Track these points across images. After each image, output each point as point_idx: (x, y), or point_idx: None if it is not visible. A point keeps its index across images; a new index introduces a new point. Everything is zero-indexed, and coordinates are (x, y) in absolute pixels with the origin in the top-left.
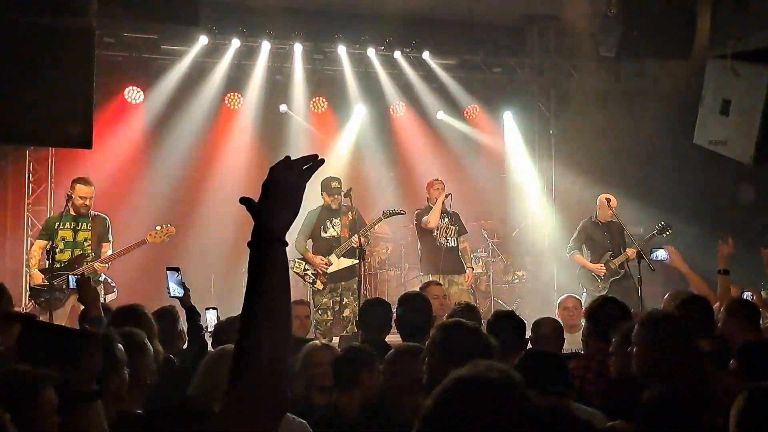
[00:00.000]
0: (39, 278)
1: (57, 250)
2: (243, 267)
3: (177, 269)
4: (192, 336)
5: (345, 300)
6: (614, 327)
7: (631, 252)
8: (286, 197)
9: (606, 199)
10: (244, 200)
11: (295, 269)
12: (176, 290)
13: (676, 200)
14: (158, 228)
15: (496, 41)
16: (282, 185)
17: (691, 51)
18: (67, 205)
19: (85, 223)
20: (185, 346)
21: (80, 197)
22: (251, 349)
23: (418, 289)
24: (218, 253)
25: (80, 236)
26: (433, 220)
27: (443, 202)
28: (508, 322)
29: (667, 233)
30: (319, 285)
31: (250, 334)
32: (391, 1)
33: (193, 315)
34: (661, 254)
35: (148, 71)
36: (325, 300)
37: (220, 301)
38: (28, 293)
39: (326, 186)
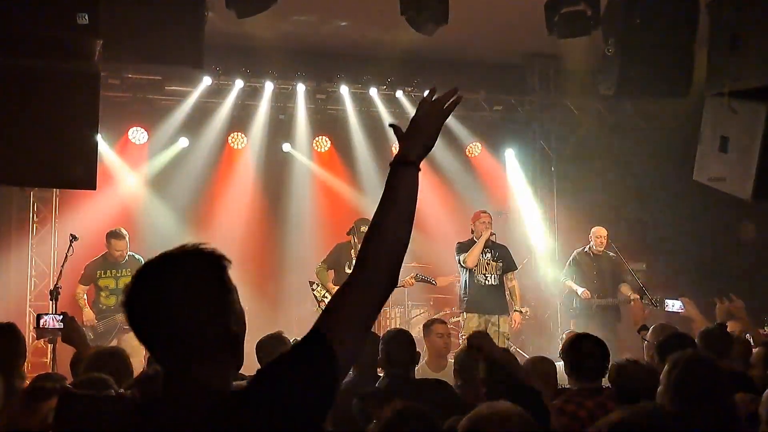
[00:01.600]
0: (92, 316)
1: (102, 297)
2: (246, 305)
3: None
4: None
5: None
6: (592, 365)
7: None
8: (427, 128)
9: (599, 230)
10: (392, 125)
11: (315, 292)
12: None
13: (676, 237)
14: None
15: (497, 80)
16: (426, 118)
17: (688, 89)
18: (105, 253)
19: (124, 270)
20: None
21: (117, 251)
22: (381, 226)
23: (422, 326)
24: None
25: (122, 282)
26: (471, 260)
27: (486, 239)
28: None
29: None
30: None
31: (381, 219)
32: (392, 41)
33: None
34: (676, 305)
35: (153, 112)
36: None
37: None
38: (32, 334)
39: (357, 229)
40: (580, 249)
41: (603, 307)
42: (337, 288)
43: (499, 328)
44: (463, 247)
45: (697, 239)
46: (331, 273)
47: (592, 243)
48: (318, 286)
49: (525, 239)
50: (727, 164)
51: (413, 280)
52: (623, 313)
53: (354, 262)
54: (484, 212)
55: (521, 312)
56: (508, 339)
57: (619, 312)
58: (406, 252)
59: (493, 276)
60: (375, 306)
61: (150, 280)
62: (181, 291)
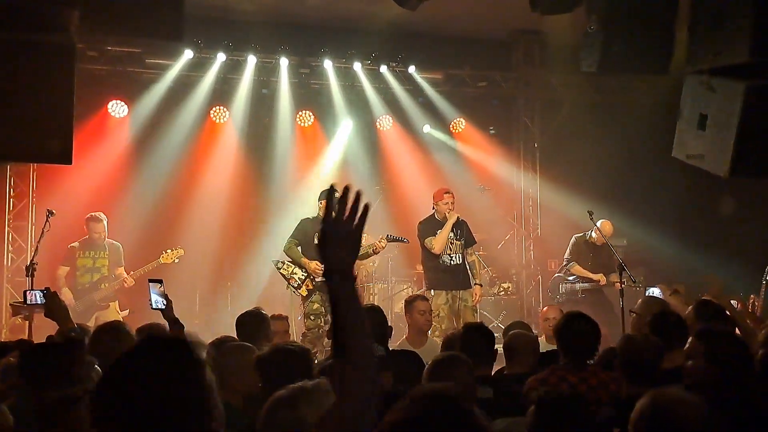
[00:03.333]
0: (70, 296)
1: (77, 275)
2: (227, 280)
3: (159, 281)
4: None
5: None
6: (583, 344)
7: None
8: (342, 242)
9: (611, 226)
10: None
11: (282, 271)
12: (158, 302)
13: (658, 212)
14: (169, 251)
15: (482, 56)
16: (336, 235)
17: (669, 66)
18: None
19: (102, 252)
20: None
21: (95, 233)
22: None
23: (403, 302)
24: (203, 266)
25: (98, 263)
26: (438, 247)
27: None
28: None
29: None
30: (303, 291)
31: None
32: (377, 15)
33: (176, 326)
34: (656, 292)
35: (132, 85)
36: (316, 306)
37: (205, 313)
38: (9, 310)
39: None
40: (581, 235)
41: (589, 291)
42: (310, 261)
43: (467, 303)
44: (426, 229)
45: (678, 214)
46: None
47: (593, 233)
48: (283, 264)
49: (508, 215)
50: (705, 142)
51: (384, 241)
52: (611, 298)
53: None
54: (447, 192)
55: (480, 285)
56: (475, 312)
57: (603, 295)
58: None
59: (457, 255)
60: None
61: (128, 370)
62: (161, 384)
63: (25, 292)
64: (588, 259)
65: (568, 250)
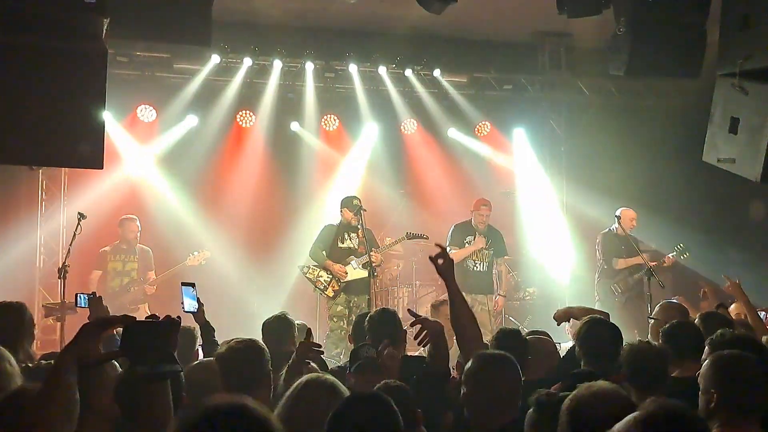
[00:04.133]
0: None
1: (108, 279)
2: (254, 282)
3: (192, 284)
4: (207, 350)
5: (353, 316)
6: (605, 350)
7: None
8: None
9: (632, 213)
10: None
11: (308, 275)
12: (191, 305)
13: (686, 216)
14: (196, 253)
15: (507, 58)
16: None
17: (699, 69)
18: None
19: (132, 256)
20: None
21: (131, 232)
22: None
23: (429, 306)
24: (230, 269)
25: (128, 266)
26: (456, 258)
27: (477, 236)
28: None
29: (685, 256)
30: (329, 292)
31: None
32: (401, 19)
33: (208, 330)
34: None
35: (161, 90)
36: (339, 308)
37: (233, 315)
38: (41, 311)
39: (349, 203)
40: (606, 230)
41: (632, 299)
42: (334, 264)
43: (485, 306)
44: (456, 235)
45: (706, 218)
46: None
47: (616, 225)
48: (308, 268)
49: (533, 219)
50: (736, 145)
51: (406, 237)
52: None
53: (346, 236)
54: (485, 205)
55: (504, 296)
56: (494, 317)
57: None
58: None
59: (482, 263)
60: None
61: None
62: None
63: (76, 295)
64: (622, 253)
65: (599, 250)
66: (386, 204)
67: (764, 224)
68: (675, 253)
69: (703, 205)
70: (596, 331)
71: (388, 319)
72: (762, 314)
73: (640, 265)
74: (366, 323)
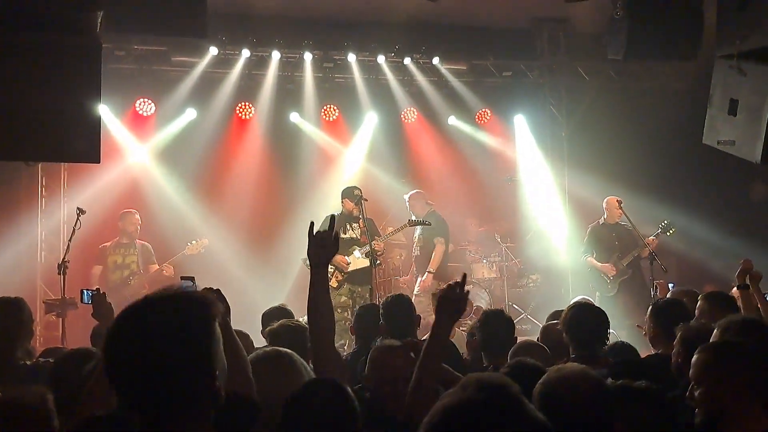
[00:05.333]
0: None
1: (108, 272)
2: (255, 273)
3: (191, 278)
4: None
5: (356, 306)
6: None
7: (645, 250)
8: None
9: (617, 201)
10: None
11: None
12: None
13: (688, 200)
14: (194, 242)
15: (506, 45)
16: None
17: (697, 51)
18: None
19: (132, 249)
20: None
21: (131, 225)
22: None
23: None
24: (232, 262)
25: (128, 259)
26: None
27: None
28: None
29: (670, 232)
30: (333, 283)
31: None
32: (399, 8)
33: None
34: None
35: (159, 83)
36: (343, 299)
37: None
38: (42, 307)
39: (350, 194)
40: (594, 223)
41: (626, 282)
42: (339, 256)
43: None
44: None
45: (709, 202)
46: None
47: (605, 215)
48: None
49: (535, 206)
50: (736, 127)
51: (408, 224)
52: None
53: (348, 227)
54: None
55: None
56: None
57: (643, 279)
58: None
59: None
60: None
61: (135, 321)
62: (167, 337)
63: (82, 291)
64: (614, 248)
65: (584, 241)
66: (387, 193)
67: (765, 206)
68: (659, 230)
69: (705, 188)
70: (581, 316)
71: (404, 306)
72: None
73: (631, 250)
74: (381, 309)
